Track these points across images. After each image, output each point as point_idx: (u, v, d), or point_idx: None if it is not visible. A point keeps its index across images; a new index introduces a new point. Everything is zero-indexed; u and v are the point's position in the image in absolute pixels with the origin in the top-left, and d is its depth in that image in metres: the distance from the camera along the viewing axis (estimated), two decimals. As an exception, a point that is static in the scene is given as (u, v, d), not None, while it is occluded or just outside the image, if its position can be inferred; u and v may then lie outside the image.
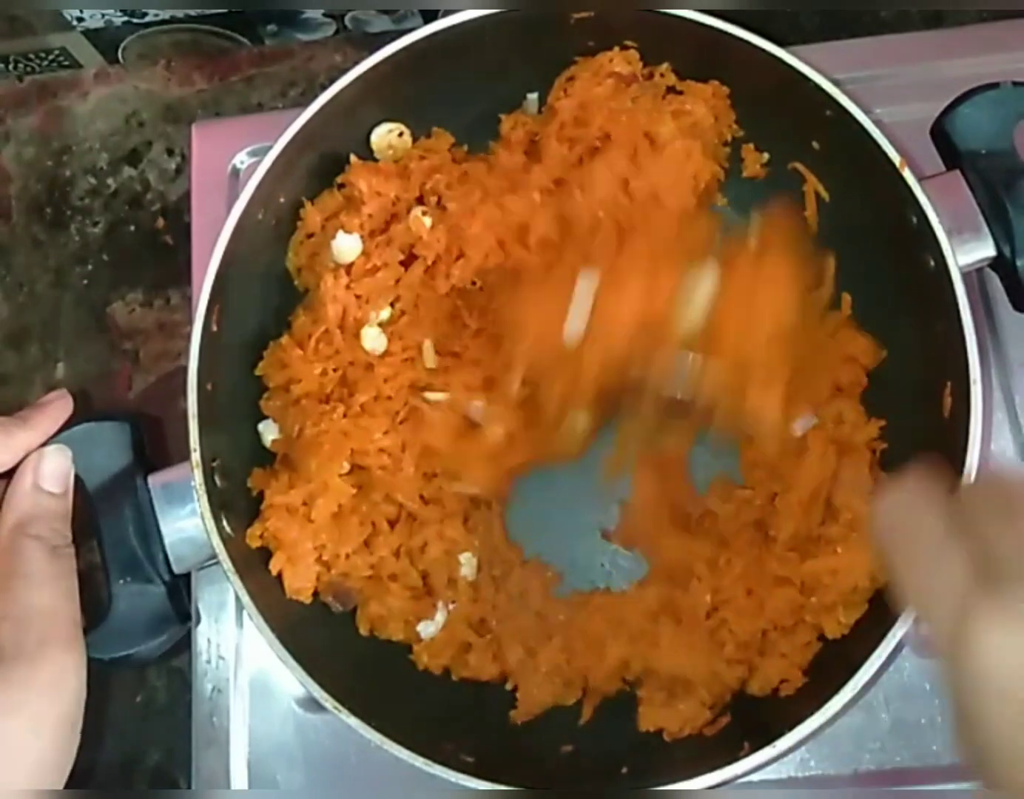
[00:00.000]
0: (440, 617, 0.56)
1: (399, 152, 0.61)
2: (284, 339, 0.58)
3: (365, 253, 0.58)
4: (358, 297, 0.58)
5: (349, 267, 0.58)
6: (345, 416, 0.55)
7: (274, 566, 0.53)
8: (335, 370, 0.57)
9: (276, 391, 0.58)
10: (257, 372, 0.58)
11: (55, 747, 0.43)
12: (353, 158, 0.60)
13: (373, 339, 0.57)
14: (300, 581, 0.54)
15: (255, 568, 0.53)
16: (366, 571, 0.55)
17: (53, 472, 0.49)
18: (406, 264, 0.59)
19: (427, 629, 0.56)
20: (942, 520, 0.34)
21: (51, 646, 0.44)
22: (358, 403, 0.56)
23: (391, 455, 0.55)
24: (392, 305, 0.58)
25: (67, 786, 0.44)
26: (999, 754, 0.30)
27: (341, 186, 0.60)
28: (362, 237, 0.58)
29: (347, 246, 0.58)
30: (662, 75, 0.60)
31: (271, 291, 0.60)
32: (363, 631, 0.56)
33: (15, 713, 0.42)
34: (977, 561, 0.32)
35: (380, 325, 0.58)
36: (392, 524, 0.56)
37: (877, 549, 0.37)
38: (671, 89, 0.60)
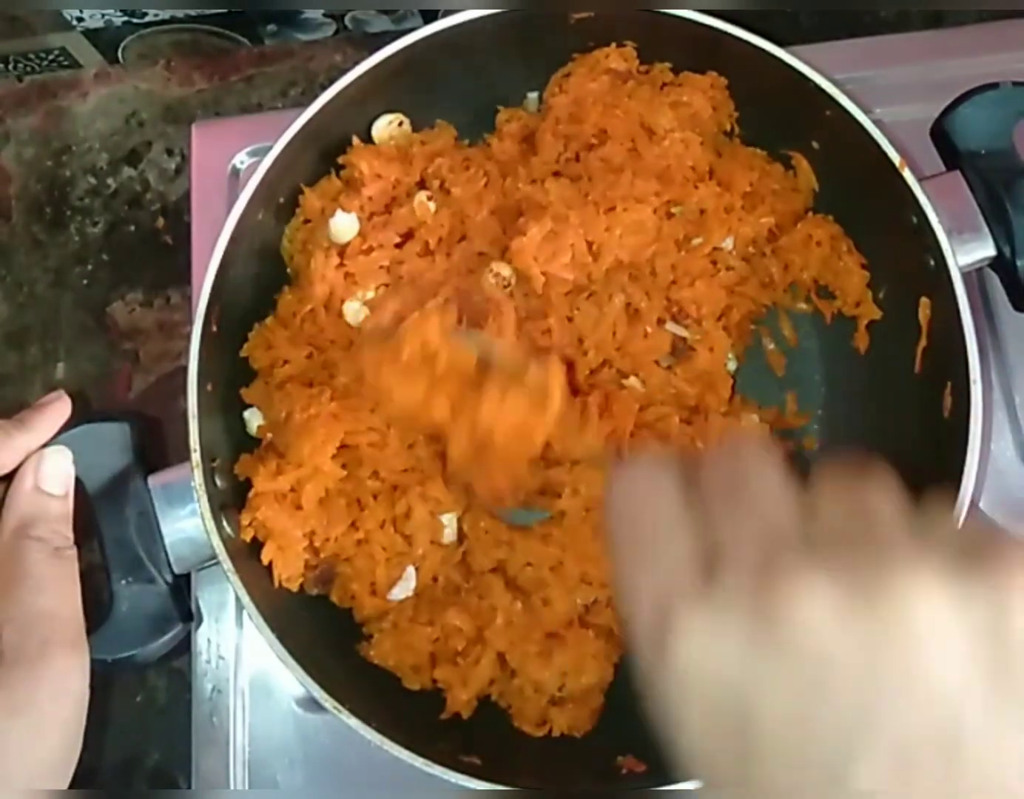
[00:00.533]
0: (411, 579, 0.56)
1: (400, 141, 0.61)
2: (269, 320, 0.58)
3: (361, 234, 0.58)
4: (348, 276, 0.57)
5: (343, 249, 0.58)
6: (332, 399, 0.55)
7: (265, 556, 0.53)
8: (320, 351, 0.57)
9: (261, 375, 0.58)
10: (243, 353, 0.58)
11: (59, 748, 0.43)
12: (355, 140, 0.60)
13: (355, 312, 0.57)
14: (290, 569, 0.54)
15: (255, 568, 0.53)
16: (352, 550, 0.55)
17: (54, 473, 0.49)
18: (400, 246, 0.59)
19: (399, 593, 0.56)
20: (675, 503, 0.30)
21: (54, 648, 0.44)
22: (341, 384, 0.55)
23: (378, 431, 0.55)
24: (377, 289, 0.58)
25: (69, 786, 0.44)
26: (709, 758, 0.27)
27: (340, 170, 0.60)
28: (360, 218, 0.58)
29: (344, 225, 0.58)
30: (660, 73, 0.61)
31: (271, 290, 0.60)
32: (337, 601, 0.56)
33: (19, 715, 0.42)
34: (697, 554, 0.28)
35: (365, 303, 0.57)
36: (376, 497, 0.56)
37: (606, 543, 0.32)
38: (668, 84, 0.60)
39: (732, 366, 0.60)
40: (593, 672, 0.54)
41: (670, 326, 0.58)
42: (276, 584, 0.54)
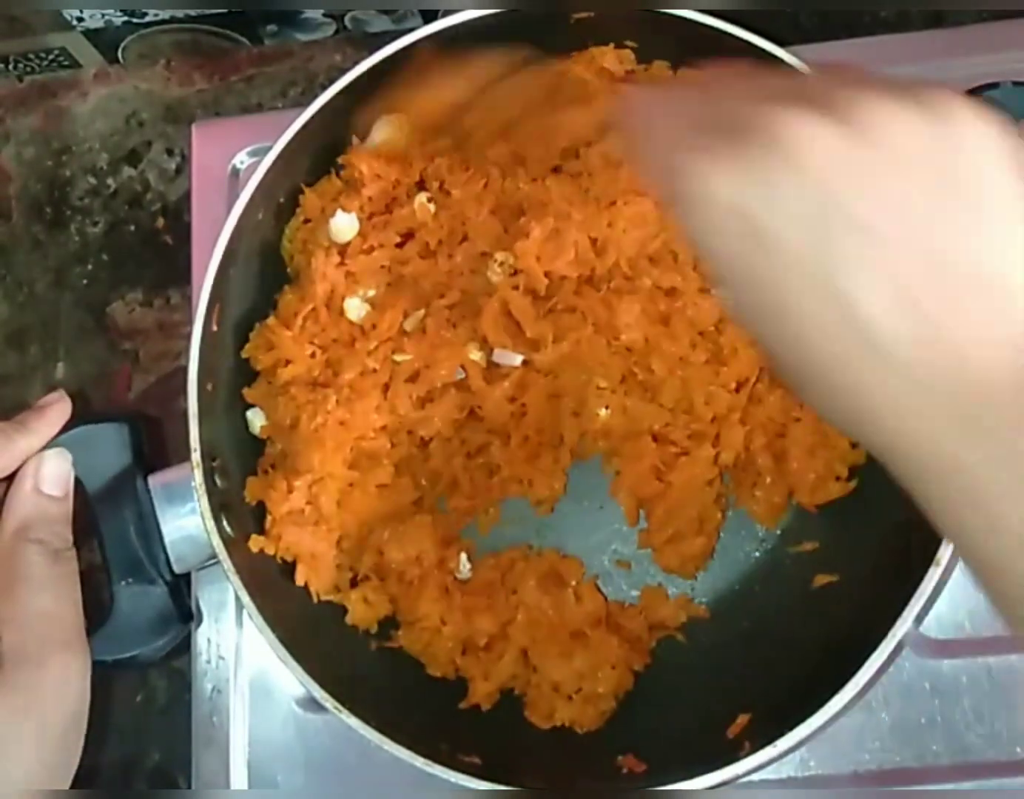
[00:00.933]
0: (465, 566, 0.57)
1: (399, 143, 0.61)
2: (271, 320, 0.58)
3: (362, 234, 0.58)
4: (349, 275, 0.57)
5: (343, 248, 0.58)
6: (338, 403, 0.55)
7: (299, 578, 0.54)
8: (322, 350, 0.57)
9: (263, 375, 0.58)
10: (244, 354, 0.58)
11: (60, 750, 0.43)
12: (355, 140, 0.60)
13: (357, 308, 0.57)
14: (326, 583, 0.55)
15: (255, 567, 0.53)
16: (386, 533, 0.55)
17: (53, 475, 0.49)
18: (401, 246, 0.59)
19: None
20: (687, 111, 0.34)
21: (54, 650, 0.43)
22: (346, 383, 0.55)
23: (388, 430, 0.56)
24: (378, 288, 0.58)
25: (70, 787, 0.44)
26: (727, 269, 0.31)
27: (340, 171, 0.60)
28: (360, 218, 0.58)
29: (344, 225, 0.58)
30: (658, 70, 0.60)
31: (271, 289, 0.60)
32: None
33: (19, 718, 0.41)
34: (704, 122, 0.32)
35: (366, 300, 0.58)
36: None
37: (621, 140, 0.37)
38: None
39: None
40: (611, 680, 0.54)
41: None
42: (315, 600, 0.54)
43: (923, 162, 0.29)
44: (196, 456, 0.51)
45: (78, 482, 0.50)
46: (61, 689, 0.43)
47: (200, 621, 0.60)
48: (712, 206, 0.30)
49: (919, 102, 0.29)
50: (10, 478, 0.49)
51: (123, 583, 0.50)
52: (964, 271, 0.28)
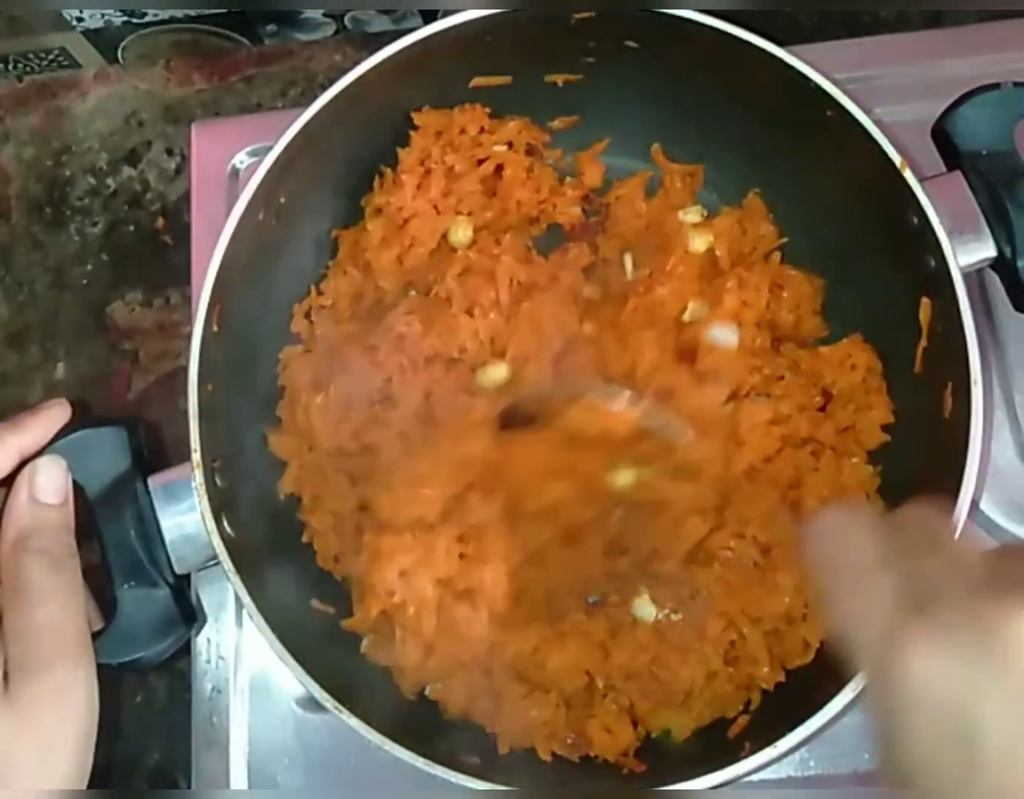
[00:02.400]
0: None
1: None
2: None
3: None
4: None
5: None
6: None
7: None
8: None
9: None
10: (281, 382, 0.59)
11: (69, 760, 0.43)
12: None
13: (463, 231, 0.59)
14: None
15: (255, 567, 0.53)
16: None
17: (48, 483, 0.48)
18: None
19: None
20: (872, 544, 0.34)
21: (58, 662, 0.43)
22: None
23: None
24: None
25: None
26: (932, 765, 0.30)
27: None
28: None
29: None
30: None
31: (271, 288, 0.60)
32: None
33: (26, 732, 0.41)
34: (905, 587, 0.32)
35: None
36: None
37: (807, 573, 0.37)
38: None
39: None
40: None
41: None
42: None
43: None
44: (197, 456, 0.51)
45: (78, 486, 0.50)
46: (66, 702, 0.43)
47: (204, 622, 0.60)
48: (926, 694, 0.30)
49: None
50: (7, 481, 0.48)
51: (125, 586, 0.50)
52: None
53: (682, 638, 0.54)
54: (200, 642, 0.60)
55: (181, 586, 0.51)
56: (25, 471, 0.48)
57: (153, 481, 0.51)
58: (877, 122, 0.54)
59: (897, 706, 0.30)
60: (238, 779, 0.58)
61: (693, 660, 0.53)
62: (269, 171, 0.56)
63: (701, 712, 0.54)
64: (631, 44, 0.60)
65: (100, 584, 0.49)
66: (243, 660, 0.60)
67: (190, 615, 0.51)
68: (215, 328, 0.54)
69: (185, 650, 0.60)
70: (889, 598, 0.32)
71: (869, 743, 0.56)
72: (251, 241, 0.56)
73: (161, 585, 0.50)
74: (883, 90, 0.64)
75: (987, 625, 0.29)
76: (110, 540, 0.50)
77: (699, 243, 0.61)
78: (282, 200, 0.59)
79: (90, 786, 0.44)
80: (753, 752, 0.48)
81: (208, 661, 0.60)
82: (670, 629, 0.54)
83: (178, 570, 0.51)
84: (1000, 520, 0.60)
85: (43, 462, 0.49)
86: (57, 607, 0.44)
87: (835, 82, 0.55)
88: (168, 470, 0.52)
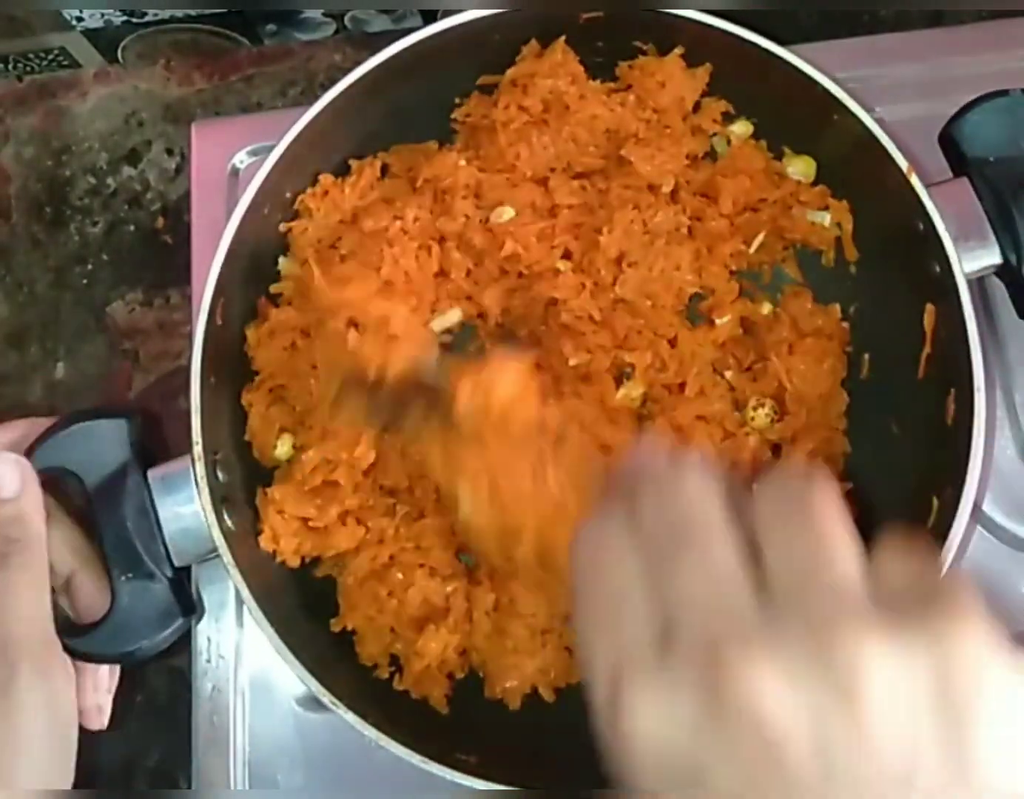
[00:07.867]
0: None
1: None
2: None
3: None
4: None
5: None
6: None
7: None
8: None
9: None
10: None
11: (46, 763, 0.42)
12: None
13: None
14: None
15: (255, 562, 0.53)
16: None
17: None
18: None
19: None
20: (630, 563, 0.30)
21: (20, 663, 0.42)
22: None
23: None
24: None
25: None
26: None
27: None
28: None
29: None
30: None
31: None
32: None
33: None
34: (658, 615, 0.29)
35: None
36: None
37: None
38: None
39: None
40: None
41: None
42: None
43: None
44: (198, 448, 0.51)
45: (77, 478, 0.50)
46: (33, 704, 0.42)
47: (203, 613, 0.59)
48: (650, 745, 0.27)
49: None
50: None
51: (123, 578, 0.50)
52: None
53: None
54: (200, 641, 0.60)
55: (180, 578, 0.51)
56: None
57: (152, 473, 0.51)
58: (879, 121, 0.54)
59: (626, 755, 0.28)
60: (238, 779, 0.58)
61: None
62: (271, 171, 0.56)
63: None
64: (639, 45, 0.60)
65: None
66: (243, 659, 0.60)
67: (189, 607, 0.51)
68: (218, 321, 0.54)
69: (184, 649, 0.60)
70: (627, 634, 0.29)
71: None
72: (254, 237, 0.56)
73: (159, 577, 0.50)
74: (883, 89, 0.64)
75: (719, 684, 0.26)
76: (108, 531, 0.50)
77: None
78: (287, 195, 0.59)
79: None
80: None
81: (208, 660, 0.60)
82: None
83: (177, 562, 0.51)
84: (999, 519, 0.60)
85: None
86: (10, 606, 0.43)
87: (838, 82, 0.55)
88: (168, 462, 0.52)
